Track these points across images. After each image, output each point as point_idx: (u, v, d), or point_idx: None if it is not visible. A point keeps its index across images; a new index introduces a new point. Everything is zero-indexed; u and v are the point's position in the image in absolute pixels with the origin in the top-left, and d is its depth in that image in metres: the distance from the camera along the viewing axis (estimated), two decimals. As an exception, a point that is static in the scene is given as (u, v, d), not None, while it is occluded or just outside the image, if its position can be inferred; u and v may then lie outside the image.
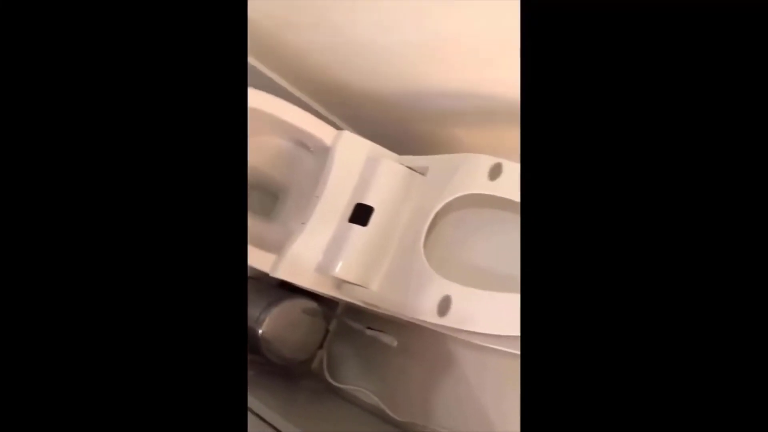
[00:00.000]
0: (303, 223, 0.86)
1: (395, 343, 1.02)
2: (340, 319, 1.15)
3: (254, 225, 0.99)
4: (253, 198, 1.07)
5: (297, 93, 1.07)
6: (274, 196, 1.07)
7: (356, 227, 0.85)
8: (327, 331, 1.14)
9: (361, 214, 0.86)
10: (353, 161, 0.89)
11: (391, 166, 0.87)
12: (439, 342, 0.96)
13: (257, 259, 0.84)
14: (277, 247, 0.87)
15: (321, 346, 1.14)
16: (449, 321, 0.71)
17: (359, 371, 1.08)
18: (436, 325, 0.73)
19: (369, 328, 1.07)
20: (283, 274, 0.84)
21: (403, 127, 1.04)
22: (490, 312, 0.69)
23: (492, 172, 0.78)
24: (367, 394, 1.02)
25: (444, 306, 0.72)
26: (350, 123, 1.11)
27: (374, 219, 0.85)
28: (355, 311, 1.08)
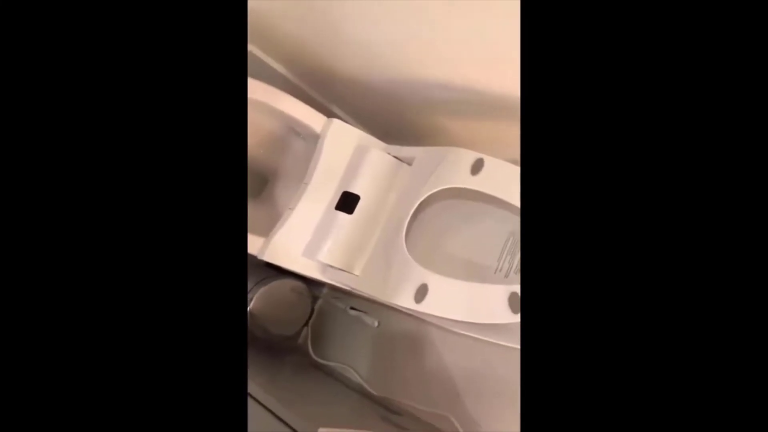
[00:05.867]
0: (291, 209, 0.90)
1: (376, 324, 1.07)
2: (325, 298, 1.19)
3: (244, 206, 1.02)
4: (243, 179, 1.09)
5: (289, 76, 1.09)
6: (264, 178, 1.10)
7: (342, 215, 0.89)
8: (312, 309, 1.18)
9: (347, 202, 0.89)
10: (342, 150, 0.92)
11: (378, 156, 0.90)
12: (418, 324, 1.00)
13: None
14: (265, 230, 0.90)
15: (306, 324, 1.19)
16: (424, 307, 0.75)
17: (341, 348, 1.13)
18: (412, 311, 0.78)
19: (352, 308, 1.12)
20: (269, 257, 0.87)
21: (394, 116, 1.06)
22: (464, 301, 0.74)
23: (474, 167, 0.81)
24: (348, 370, 1.08)
25: (421, 293, 0.77)
26: (341, 107, 1.13)
27: (360, 207, 0.89)
28: (340, 291, 1.12)
